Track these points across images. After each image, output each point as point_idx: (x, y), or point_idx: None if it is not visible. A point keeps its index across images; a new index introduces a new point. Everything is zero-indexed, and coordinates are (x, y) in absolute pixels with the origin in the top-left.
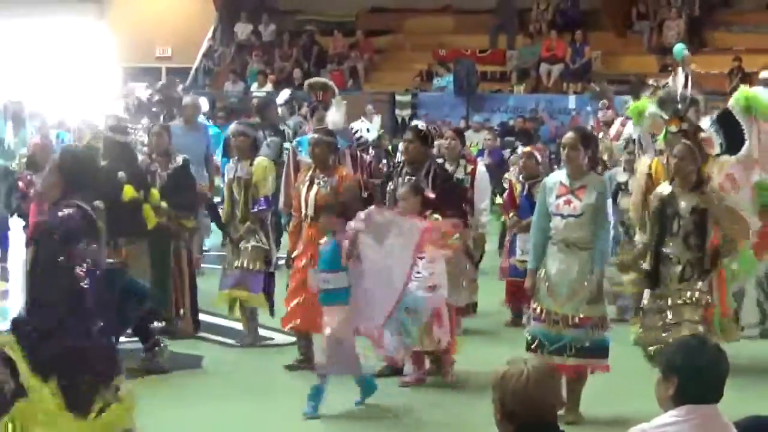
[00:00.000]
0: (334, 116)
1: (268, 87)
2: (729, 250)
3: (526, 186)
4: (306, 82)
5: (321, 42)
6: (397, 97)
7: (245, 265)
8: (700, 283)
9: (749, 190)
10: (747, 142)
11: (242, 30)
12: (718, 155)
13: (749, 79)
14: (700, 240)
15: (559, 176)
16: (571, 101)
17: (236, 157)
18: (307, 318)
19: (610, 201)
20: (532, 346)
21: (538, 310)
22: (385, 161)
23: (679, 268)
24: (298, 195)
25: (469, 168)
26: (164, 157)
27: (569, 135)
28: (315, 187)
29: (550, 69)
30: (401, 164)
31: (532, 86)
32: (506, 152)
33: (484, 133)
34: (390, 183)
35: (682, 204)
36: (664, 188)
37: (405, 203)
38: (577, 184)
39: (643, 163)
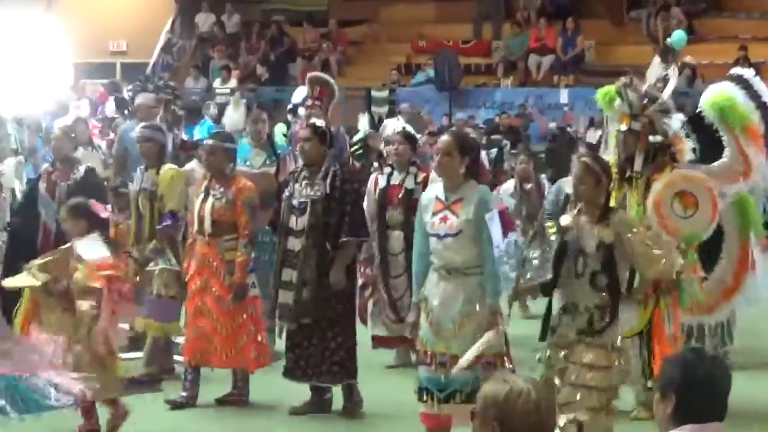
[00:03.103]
0: (232, 116)
1: (233, 83)
2: (641, 290)
3: None
4: (307, 76)
5: (290, 33)
6: (374, 93)
7: (156, 291)
8: (609, 337)
9: (709, 207)
10: (728, 151)
11: (204, 21)
12: (692, 162)
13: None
14: (609, 280)
15: (435, 190)
16: (563, 95)
17: (143, 166)
18: (199, 350)
19: (495, 214)
20: (422, 396)
21: (422, 352)
22: (376, 164)
23: (586, 316)
24: (192, 208)
25: (421, 176)
26: (66, 165)
27: (443, 139)
28: (210, 200)
29: (539, 61)
30: (301, 168)
31: (520, 80)
32: (492, 152)
33: (469, 131)
34: (286, 190)
35: (587, 238)
36: (567, 219)
37: (67, 226)
38: (454, 197)
39: None
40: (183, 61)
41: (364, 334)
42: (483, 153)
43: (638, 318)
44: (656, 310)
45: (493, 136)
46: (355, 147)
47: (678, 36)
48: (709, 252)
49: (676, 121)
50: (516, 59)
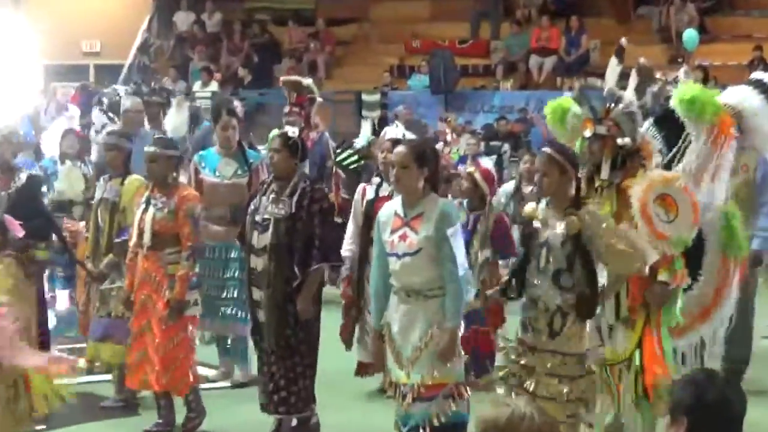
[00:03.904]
0: (175, 120)
1: (214, 86)
2: (611, 291)
3: (471, 217)
4: (281, 80)
5: (275, 33)
6: (364, 97)
7: (114, 311)
8: (574, 343)
9: (690, 209)
10: (694, 147)
11: (183, 20)
12: (663, 165)
13: None
14: (574, 280)
15: (394, 205)
16: None
17: (107, 175)
18: (142, 372)
19: (457, 229)
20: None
21: (387, 382)
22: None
23: (548, 317)
24: (133, 220)
25: None
26: (6, 173)
27: (398, 151)
28: (151, 210)
29: (541, 62)
30: (270, 180)
31: (521, 82)
32: (491, 159)
33: (466, 137)
34: (252, 203)
35: (552, 231)
36: (537, 207)
37: None
38: (414, 213)
39: None
40: (160, 62)
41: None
42: (489, 163)
43: (627, 340)
44: (646, 328)
45: (492, 143)
46: (349, 157)
47: (689, 35)
48: (690, 268)
49: (645, 123)
50: (516, 60)
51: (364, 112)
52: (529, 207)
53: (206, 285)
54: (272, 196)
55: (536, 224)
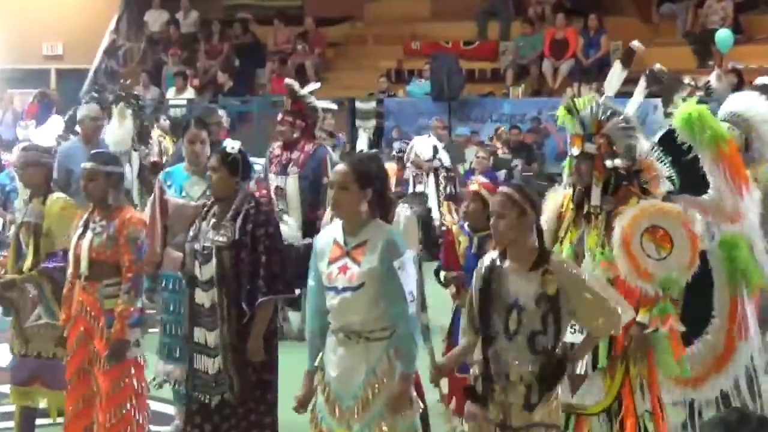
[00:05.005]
0: (116, 133)
1: (190, 93)
2: (583, 353)
3: (475, 240)
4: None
5: (258, 34)
6: (358, 104)
7: (41, 351)
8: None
9: (687, 248)
10: (713, 183)
11: (155, 19)
12: (670, 193)
13: None
14: (554, 341)
15: (333, 232)
16: None
17: (27, 196)
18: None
19: (406, 261)
20: None
21: None
22: None
23: (522, 388)
24: (69, 246)
25: None
26: None
27: (338, 169)
28: (89, 235)
29: (556, 65)
30: (212, 202)
31: (533, 88)
32: (501, 173)
33: (473, 148)
34: (191, 229)
35: (522, 288)
36: (491, 257)
37: None
38: (355, 241)
39: (553, 197)
40: (130, 66)
41: None
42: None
43: (605, 390)
44: (626, 379)
45: (501, 155)
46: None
47: (723, 35)
48: (699, 308)
49: (645, 141)
50: (528, 63)
51: (358, 122)
52: (486, 260)
53: (171, 323)
54: (213, 221)
55: (495, 284)
